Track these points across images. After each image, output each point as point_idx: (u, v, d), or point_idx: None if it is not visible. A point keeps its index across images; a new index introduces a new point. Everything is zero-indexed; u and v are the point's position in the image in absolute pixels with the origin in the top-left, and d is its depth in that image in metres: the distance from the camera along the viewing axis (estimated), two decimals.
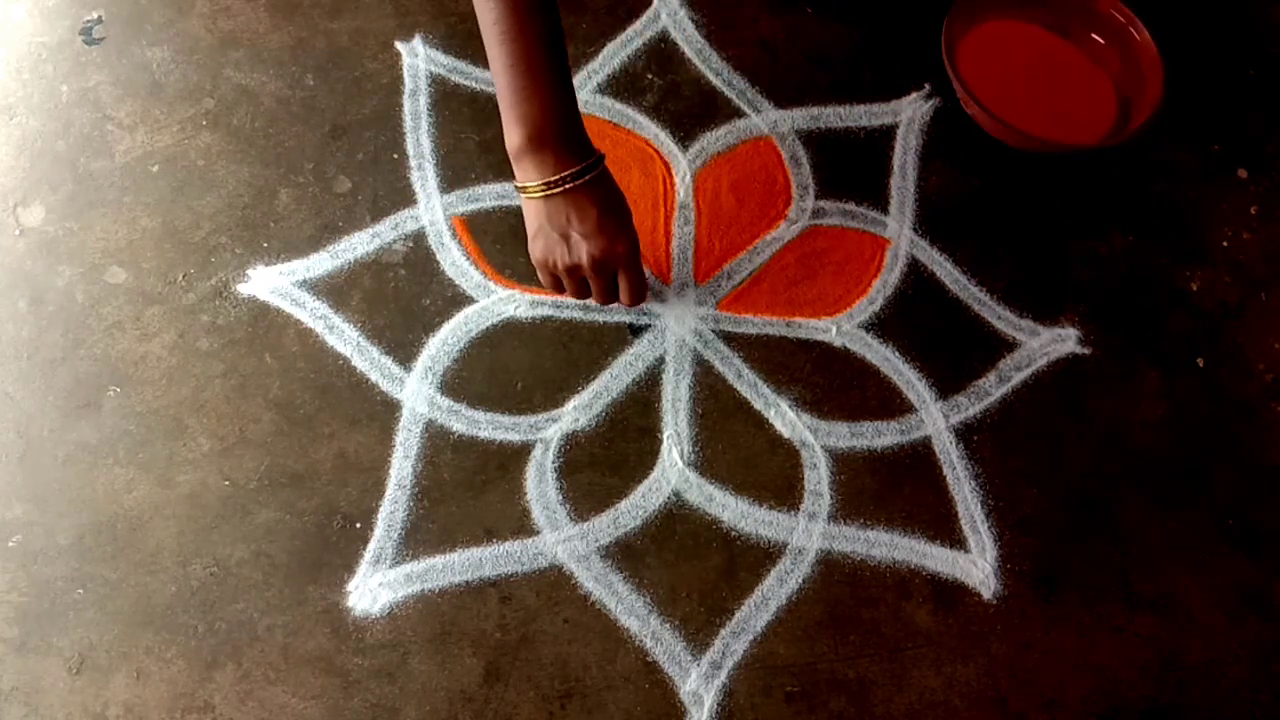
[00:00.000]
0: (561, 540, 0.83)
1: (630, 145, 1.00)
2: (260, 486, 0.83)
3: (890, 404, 0.91)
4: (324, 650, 0.78)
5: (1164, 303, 1.00)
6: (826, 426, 0.90)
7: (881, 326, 0.94)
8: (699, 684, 0.79)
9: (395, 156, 0.97)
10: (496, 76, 0.76)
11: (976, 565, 0.86)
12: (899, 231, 0.99)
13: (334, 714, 0.76)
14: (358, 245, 0.93)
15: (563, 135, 0.76)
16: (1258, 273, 1.02)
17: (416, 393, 0.87)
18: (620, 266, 0.83)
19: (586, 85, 1.02)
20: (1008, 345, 0.95)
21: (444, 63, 1.02)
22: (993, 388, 0.93)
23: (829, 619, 0.82)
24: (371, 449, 0.85)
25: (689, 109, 1.03)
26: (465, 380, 0.88)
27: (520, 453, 0.86)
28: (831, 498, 0.87)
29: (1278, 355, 0.98)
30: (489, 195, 0.96)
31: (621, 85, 1.03)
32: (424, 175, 0.96)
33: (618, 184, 0.81)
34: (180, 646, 0.77)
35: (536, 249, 0.82)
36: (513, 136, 0.76)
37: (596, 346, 0.91)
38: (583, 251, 0.80)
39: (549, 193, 0.77)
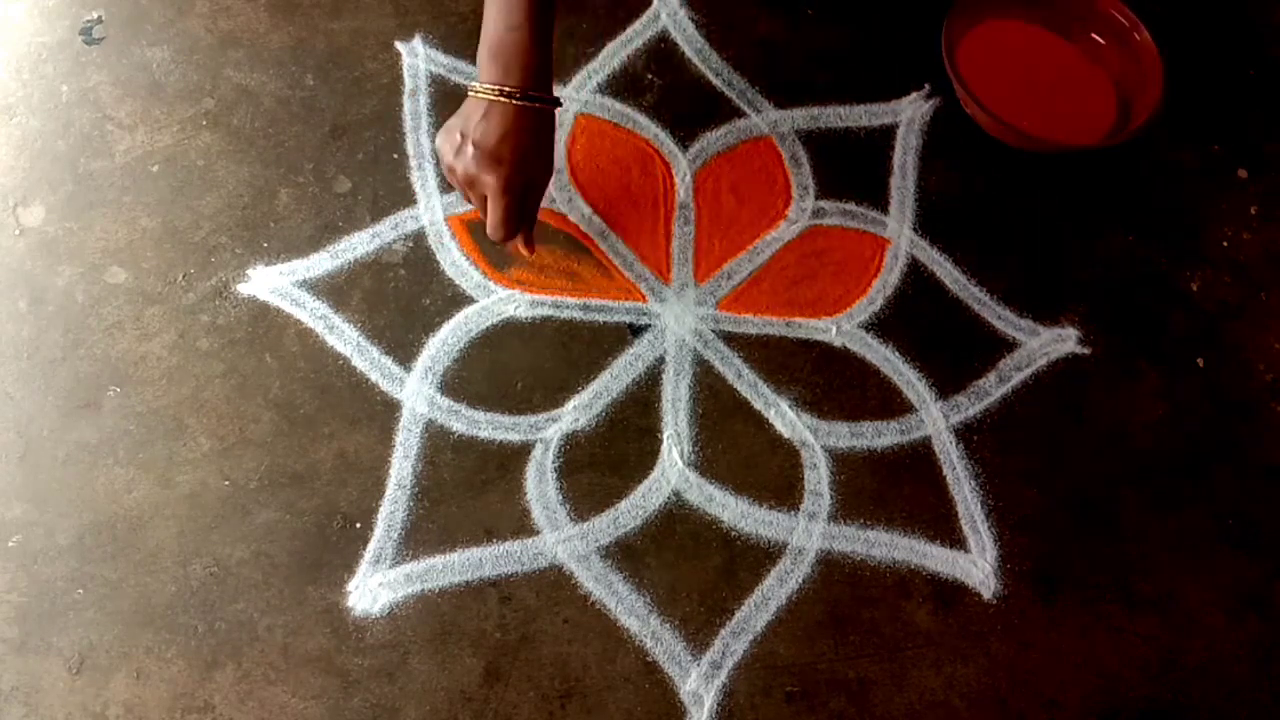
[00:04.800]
0: (561, 540, 0.83)
1: (630, 145, 1.00)
2: (260, 486, 0.83)
3: (890, 404, 0.91)
4: (324, 650, 0.78)
5: (1164, 303, 1.00)
6: (826, 426, 0.90)
7: (881, 326, 0.94)
8: (699, 684, 0.79)
9: (395, 156, 0.97)
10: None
11: (976, 565, 0.86)
12: (899, 231, 0.99)
13: (334, 714, 0.76)
14: (358, 245, 0.93)
15: (534, 62, 0.77)
16: (1258, 273, 1.02)
17: (416, 393, 0.87)
18: (487, 193, 0.79)
19: (586, 85, 1.02)
20: (1008, 345, 0.95)
21: (444, 63, 1.02)
22: (993, 388, 0.93)
23: (829, 619, 0.82)
24: (371, 449, 0.85)
25: (689, 109, 1.03)
26: (465, 380, 0.88)
27: (520, 453, 0.86)
28: (831, 498, 0.87)
29: (1278, 355, 0.98)
30: None
31: (621, 85, 1.03)
32: (424, 175, 0.96)
33: (551, 148, 0.80)
34: (180, 646, 0.77)
35: (439, 134, 0.81)
36: (495, 36, 0.77)
37: (596, 346, 0.91)
38: (463, 159, 0.78)
39: (493, 99, 0.77)
